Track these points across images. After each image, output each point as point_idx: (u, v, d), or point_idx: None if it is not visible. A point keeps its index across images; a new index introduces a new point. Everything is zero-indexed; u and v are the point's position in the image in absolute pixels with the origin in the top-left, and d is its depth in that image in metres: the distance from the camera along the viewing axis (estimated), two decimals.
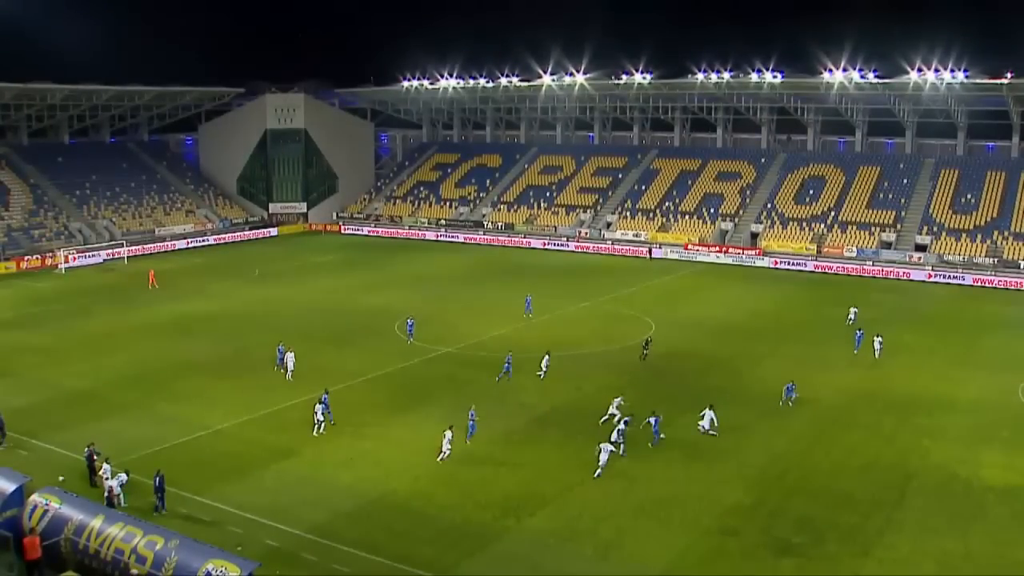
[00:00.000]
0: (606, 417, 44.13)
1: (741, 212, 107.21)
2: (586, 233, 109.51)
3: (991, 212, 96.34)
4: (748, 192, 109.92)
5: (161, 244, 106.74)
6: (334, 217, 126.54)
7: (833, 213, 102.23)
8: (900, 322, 68.09)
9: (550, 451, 41.51)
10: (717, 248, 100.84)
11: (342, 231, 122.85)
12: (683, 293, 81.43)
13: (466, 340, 61.24)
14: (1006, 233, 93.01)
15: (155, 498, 35.19)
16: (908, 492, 37.31)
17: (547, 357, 53.12)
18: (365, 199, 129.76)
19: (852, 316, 65.93)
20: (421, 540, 32.86)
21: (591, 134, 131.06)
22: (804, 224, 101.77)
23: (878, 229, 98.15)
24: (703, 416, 43.56)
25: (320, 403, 44.29)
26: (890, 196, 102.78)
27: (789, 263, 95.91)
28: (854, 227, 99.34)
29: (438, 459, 39.87)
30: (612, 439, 40.32)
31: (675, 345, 60.66)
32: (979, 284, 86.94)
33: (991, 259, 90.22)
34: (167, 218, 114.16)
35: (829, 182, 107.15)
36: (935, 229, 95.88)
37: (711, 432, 43.05)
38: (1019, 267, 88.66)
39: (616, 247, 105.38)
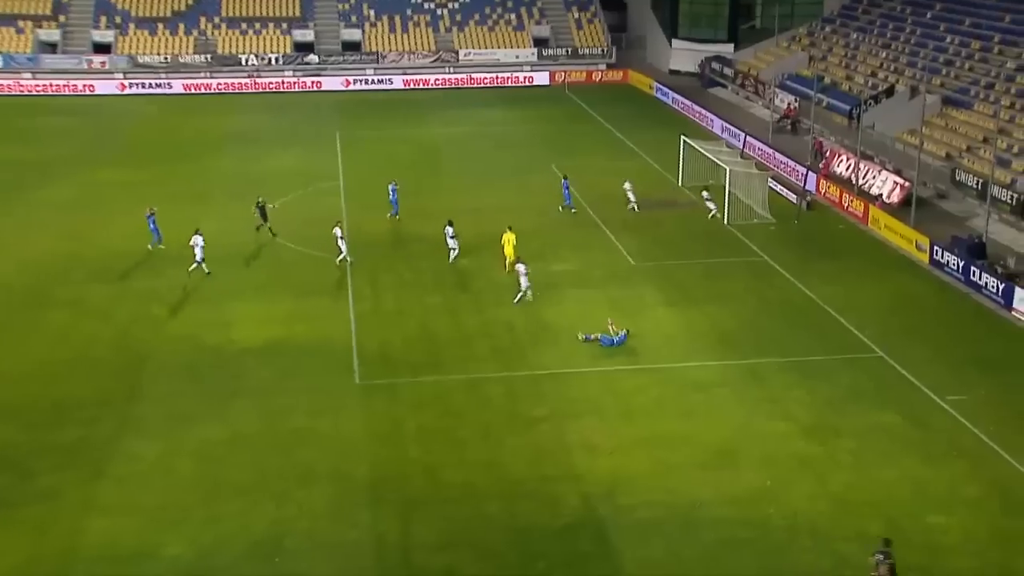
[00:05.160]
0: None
1: None
2: None
3: None
4: None
5: None
6: None
7: None
8: (94, 157, 68.69)
9: None
10: None
11: None
12: None
13: None
14: (217, 20, 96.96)
15: None
16: (144, 379, 38.04)
17: None
18: None
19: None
20: None
21: None
22: None
23: (31, 24, 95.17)
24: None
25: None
26: None
27: None
28: None
29: None
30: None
31: None
32: (192, 91, 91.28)
33: (204, 56, 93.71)
34: None
35: None
36: (118, 20, 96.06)
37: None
38: (240, 62, 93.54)
39: None
